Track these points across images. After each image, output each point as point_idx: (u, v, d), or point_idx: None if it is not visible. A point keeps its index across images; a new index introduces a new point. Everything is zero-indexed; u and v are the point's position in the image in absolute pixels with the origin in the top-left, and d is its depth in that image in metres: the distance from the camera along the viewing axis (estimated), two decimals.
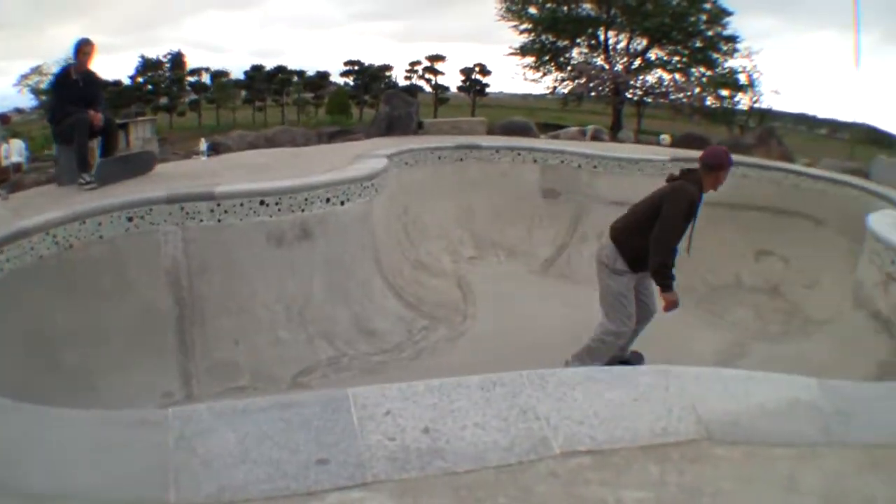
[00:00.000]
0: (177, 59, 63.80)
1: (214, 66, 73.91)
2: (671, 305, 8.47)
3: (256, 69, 65.86)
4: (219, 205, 9.27)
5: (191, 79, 64.09)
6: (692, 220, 8.72)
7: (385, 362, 9.74)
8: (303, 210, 9.88)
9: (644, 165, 15.18)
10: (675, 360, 9.89)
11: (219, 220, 9.31)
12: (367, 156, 12.47)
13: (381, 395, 3.86)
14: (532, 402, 3.94)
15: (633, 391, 4.18)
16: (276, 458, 3.42)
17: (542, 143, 17.35)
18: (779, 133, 20.35)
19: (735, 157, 16.40)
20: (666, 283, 8.32)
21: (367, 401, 3.79)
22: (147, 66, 62.29)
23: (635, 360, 9.53)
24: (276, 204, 9.62)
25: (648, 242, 8.28)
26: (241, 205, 9.39)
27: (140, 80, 62.06)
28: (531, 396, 3.98)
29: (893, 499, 3.65)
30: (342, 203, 10.40)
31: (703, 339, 11.51)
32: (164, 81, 62.00)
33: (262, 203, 9.51)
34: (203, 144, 13.86)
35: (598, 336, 8.83)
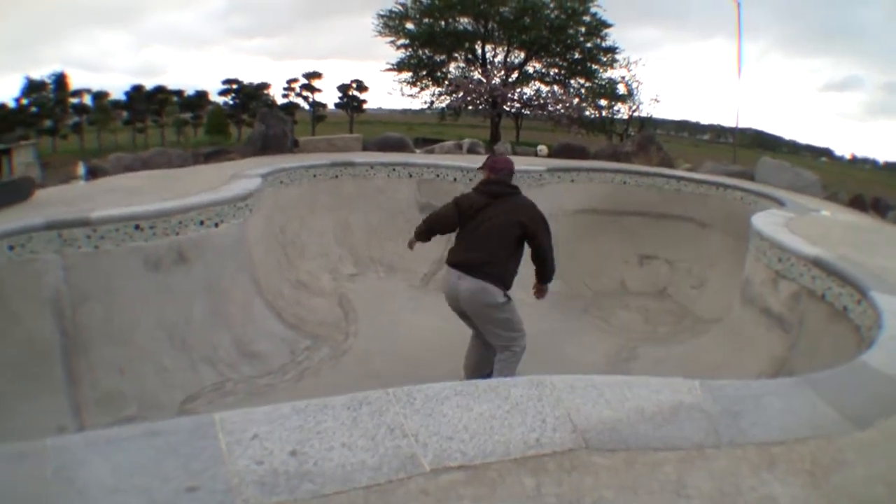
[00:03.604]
0: (60, 80, 62.05)
1: (96, 87, 72.83)
2: (545, 293, 9.37)
3: (136, 89, 64.24)
4: (95, 230, 8.97)
5: (73, 100, 62.47)
6: None
7: (271, 385, 9.63)
8: (177, 233, 9.65)
9: (520, 176, 14.83)
10: (565, 367, 9.99)
11: (96, 247, 8.99)
12: (241, 176, 12.36)
13: (247, 419, 3.74)
14: (400, 420, 3.84)
15: (505, 403, 4.10)
16: (148, 487, 3.25)
17: (418, 157, 17.38)
18: (659, 140, 20.56)
19: (614, 164, 17.04)
20: (551, 279, 9.11)
21: (233, 425, 3.67)
22: (31, 87, 60.51)
23: None
24: (151, 228, 9.38)
25: (516, 263, 8.70)
26: (117, 230, 9.10)
27: (24, 101, 60.41)
28: (398, 414, 3.89)
29: (796, 495, 3.59)
30: (216, 225, 10.23)
31: (592, 345, 11.66)
32: (49, 103, 60.47)
33: (136, 227, 9.26)
34: (81, 168, 13.49)
35: (510, 353, 8.72)
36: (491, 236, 8.49)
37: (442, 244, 13.87)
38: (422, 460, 3.55)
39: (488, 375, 8.80)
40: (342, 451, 3.55)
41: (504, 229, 8.51)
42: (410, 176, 15.43)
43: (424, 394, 4.09)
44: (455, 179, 15.33)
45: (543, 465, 3.63)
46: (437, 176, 15.48)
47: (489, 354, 9.06)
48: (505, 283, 8.51)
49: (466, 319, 9.07)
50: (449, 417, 3.91)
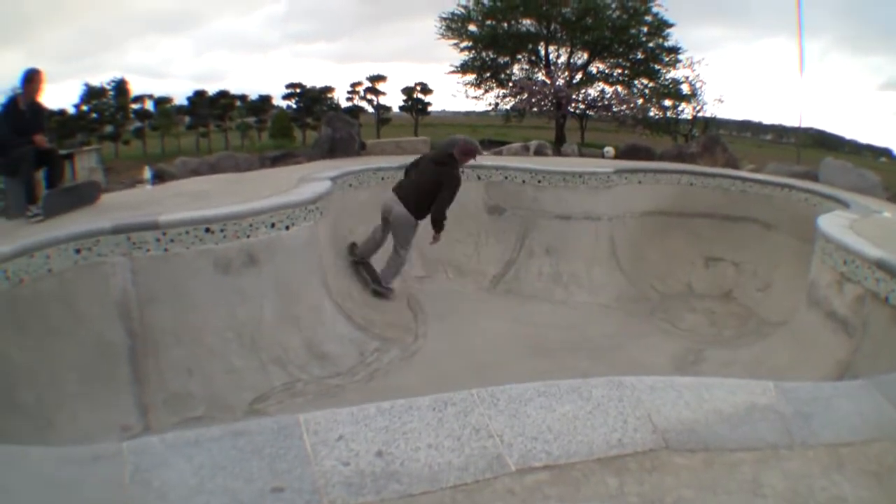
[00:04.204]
0: (120, 87, 61.75)
1: (157, 93, 73.04)
2: (438, 240, 12.96)
3: (199, 94, 64.63)
4: (164, 234, 9.12)
5: (135, 106, 62.72)
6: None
7: (340, 386, 9.67)
8: (248, 236, 9.79)
9: (588, 178, 15.28)
10: (632, 369, 9.87)
11: (165, 250, 9.15)
12: (310, 179, 12.46)
13: (332, 419, 3.79)
14: (485, 421, 3.89)
15: (587, 404, 4.13)
16: (232, 488, 3.32)
17: (486, 159, 17.16)
18: (723, 140, 20.36)
19: (680, 165, 16.91)
20: (442, 228, 12.65)
21: (318, 426, 3.72)
22: (91, 93, 60.23)
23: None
24: (222, 231, 9.51)
25: (429, 204, 12.50)
26: (187, 233, 9.24)
27: (84, 108, 60.18)
28: (483, 415, 3.94)
29: (862, 496, 3.63)
30: (287, 228, 10.34)
31: (659, 348, 11.62)
32: (109, 109, 60.45)
33: (207, 230, 9.39)
34: (147, 172, 13.61)
35: (398, 257, 12.95)
36: (421, 186, 12.56)
37: (509, 249, 14.02)
38: (507, 460, 3.61)
39: (368, 264, 13.16)
40: (428, 452, 3.61)
41: (429, 185, 12.47)
42: (479, 178, 15.42)
43: (508, 395, 4.13)
44: (524, 181, 15.33)
45: (626, 465, 3.68)
46: (506, 178, 15.47)
47: (376, 247, 13.19)
48: (417, 215, 12.50)
49: (385, 224, 12.90)
50: (533, 418, 3.95)
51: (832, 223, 10.54)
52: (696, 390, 4.43)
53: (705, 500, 3.50)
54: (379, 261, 13.04)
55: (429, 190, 12.46)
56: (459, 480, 3.45)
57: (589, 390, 4.26)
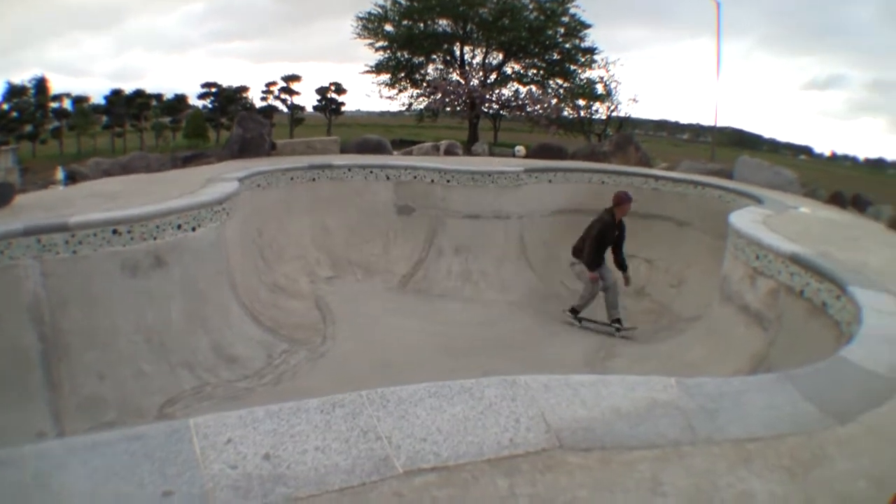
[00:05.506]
0: (41, 85, 62.03)
1: (76, 91, 72.93)
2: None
3: (116, 93, 64.88)
4: (73, 235, 8.93)
5: (53, 105, 62.57)
6: (611, 238, 13.54)
7: (249, 388, 9.59)
8: (155, 238, 9.62)
9: (497, 177, 15.39)
10: (544, 366, 10.02)
11: (74, 252, 8.95)
12: (218, 179, 12.34)
13: (221, 423, 3.74)
14: (373, 422, 3.84)
15: (478, 404, 4.10)
16: (125, 493, 3.26)
17: (396, 159, 17.49)
18: (637, 139, 20.72)
19: (592, 164, 17.40)
20: (591, 267, 13.24)
21: (207, 430, 3.67)
22: (13, 92, 60.61)
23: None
24: (129, 232, 9.34)
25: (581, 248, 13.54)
26: (95, 235, 9.06)
27: (5, 107, 60.37)
28: (372, 416, 3.90)
29: (774, 491, 3.62)
30: (194, 229, 10.20)
31: (571, 345, 11.72)
32: (29, 108, 60.31)
33: (114, 232, 9.21)
34: (60, 173, 13.47)
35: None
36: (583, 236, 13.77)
37: (418, 249, 14.31)
38: (395, 462, 3.55)
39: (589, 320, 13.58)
40: (315, 455, 3.55)
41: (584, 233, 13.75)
42: (388, 178, 15.48)
43: (398, 396, 4.09)
44: (433, 181, 15.39)
45: (517, 466, 3.63)
46: (415, 177, 15.52)
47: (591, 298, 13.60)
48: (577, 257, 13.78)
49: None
50: (422, 419, 3.91)
51: (744, 219, 10.72)
52: (593, 388, 4.41)
53: (601, 500, 3.47)
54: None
55: (583, 237, 13.69)
56: (346, 483, 3.39)
57: (481, 390, 4.23)
